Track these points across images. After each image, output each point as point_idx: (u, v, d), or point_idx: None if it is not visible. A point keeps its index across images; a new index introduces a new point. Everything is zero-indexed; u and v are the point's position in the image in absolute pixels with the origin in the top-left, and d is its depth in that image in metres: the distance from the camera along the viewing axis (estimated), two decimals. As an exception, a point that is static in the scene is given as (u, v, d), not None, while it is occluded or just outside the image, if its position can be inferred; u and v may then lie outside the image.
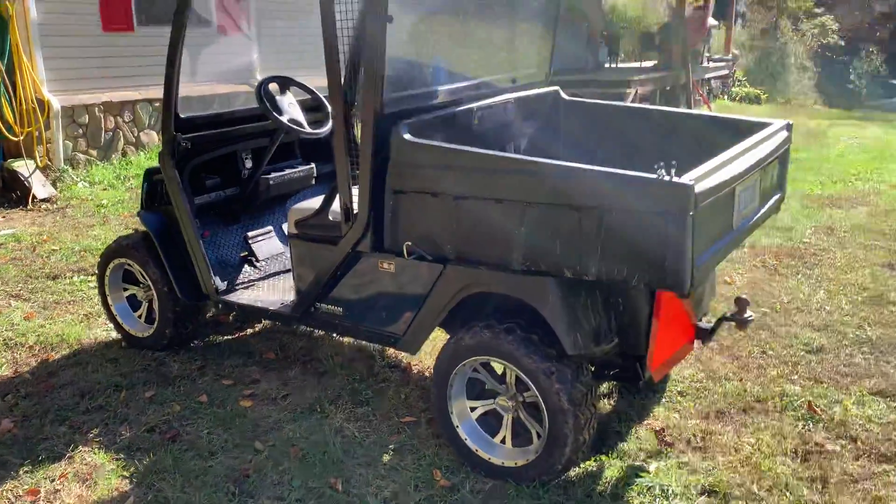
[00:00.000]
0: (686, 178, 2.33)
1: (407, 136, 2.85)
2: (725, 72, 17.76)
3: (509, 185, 2.65)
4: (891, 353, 3.95)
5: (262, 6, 10.37)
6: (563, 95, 3.91)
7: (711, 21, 16.76)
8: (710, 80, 16.91)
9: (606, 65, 15.71)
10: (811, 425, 3.29)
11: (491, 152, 2.71)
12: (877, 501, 2.79)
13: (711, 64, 17.17)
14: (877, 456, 3.07)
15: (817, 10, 27.51)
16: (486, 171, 2.69)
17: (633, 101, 11.55)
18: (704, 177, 2.43)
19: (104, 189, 8.01)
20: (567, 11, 15.21)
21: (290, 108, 3.69)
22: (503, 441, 2.99)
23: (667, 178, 2.33)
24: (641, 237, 2.42)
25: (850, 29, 30.12)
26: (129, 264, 4.05)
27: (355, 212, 3.05)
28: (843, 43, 29.12)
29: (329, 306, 3.33)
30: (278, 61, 9.87)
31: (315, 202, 3.36)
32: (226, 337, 4.31)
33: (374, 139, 2.86)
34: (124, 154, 8.88)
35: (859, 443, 3.15)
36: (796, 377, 3.70)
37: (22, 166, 7.63)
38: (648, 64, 15.71)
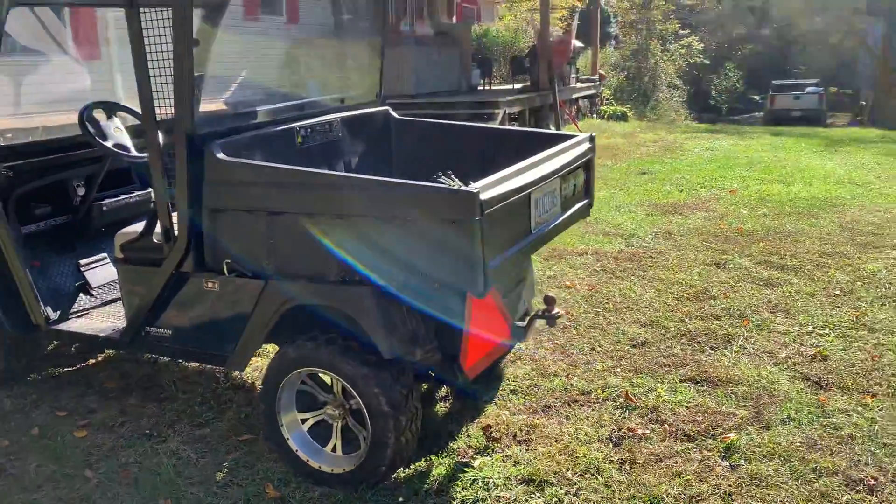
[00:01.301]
0: (472, 187, 2.52)
1: (220, 156, 2.92)
2: (593, 91, 18.65)
3: (317, 199, 2.77)
4: (706, 342, 4.31)
5: (122, 32, 10.14)
6: (394, 114, 4.07)
7: (577, 43, 17.62)
8: (578, 100, 17.71)
9: (480, 87, 16.22)
10: (627, 413, 3.55)
11: (297, 168, 2.83)
12: (676, 476, 3.05)
13: (579, 84, 18.00)
14: (681, 436, 3.34)
15: (683, 32, 29.33)
16: (294, 186, 2.80)
17: (501, 122, 11.98)
18: (491, 185, 2.63)
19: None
20: (439, 36, 15.65)
21: (116, 132, 3.69)
22: (334, 449, 3.08)
23: (454, 187, 2.51)
24: (437, 243, 2.59)
25: (714, 49, 32.28)
26: (-46, 300, 3.89)
27: (175, 233, 3.08)
28: (707, 62, 31.14)
29: (158, 329, 3.33)
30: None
31: (140, 226, 3.37)
32: (66, 369, 4.21)
33: (188, 159, 2.92)
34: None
35: (667, 425, 3.42)
36: (619, 370, 3.98)
37: None
38: (519, 86, 16.31)
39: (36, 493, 3.07)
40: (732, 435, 3.31)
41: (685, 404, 3.61)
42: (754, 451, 3.18)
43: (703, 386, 3.80)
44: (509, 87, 16.70)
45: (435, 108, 12.26)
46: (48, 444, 3.42)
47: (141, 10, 2.93)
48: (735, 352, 4.17)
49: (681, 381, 3.85)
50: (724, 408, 3.57)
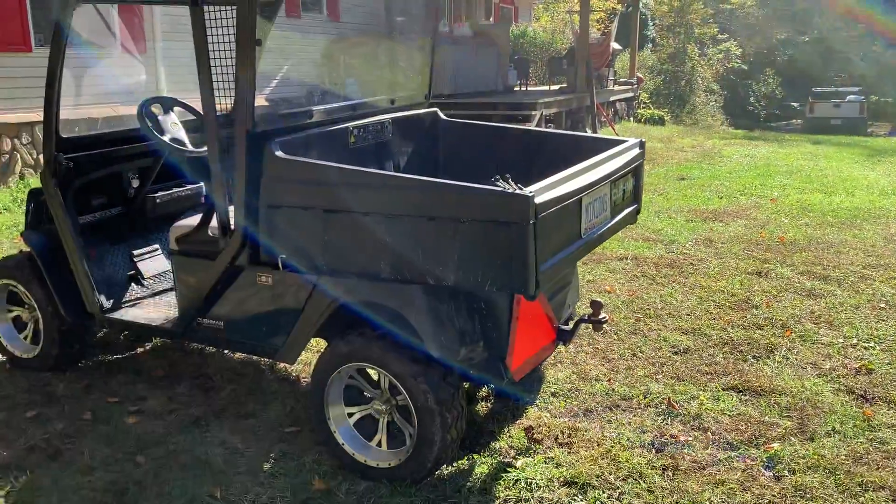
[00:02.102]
0: (527, 190, 2.55)
1: (279, 153, 2.99)
2: (630, 94, 18.54)
3: (373, 198, 2.82)
4: (749, 351, 4.29)
5: (167, 27, 10.33)
6: (442, 116, 4.11)
7: (616, 46, 17.52)
8: (616, 103, 17.62)
9: (516, 88, 16.21)
10: (669, 419, 3.55)
11: (354, 168, 2.88)
12: (719, 484, 3.05)
13: (617, 87, 17.90)
14: (724, 444, 3.34)
15: (722, 37, 29.02)
16: (350, 185, 2.86)
17: (537, 124, 11.97)
18: (545, 189, 2.65)
19: (-1, 213, 7.80)
20: (477, 36, 15.67)
21: (173, 127, 3.78)
22: (379, 444, 3.13)
23: (509, 189, 2.54)
24: (490, 245, 2.62)
25: (752, 54, 31.89)
26: (13, 285, 4.02)
27: (232, 227, 3.16)
28: (745, 67, 30.78)
29: (211, 320, 3.41)
30: (182, 82, 9.86)
31: (196, 219, 3.45)
32: (115, 356, 4.32)
33: (247, 156, 2.99)
34: (22, 177, 8.68)
35: (710, 433, 3.42)
36: (661, 377, 3.98)
37: None
38: (556, 87, 16.27)
39: (91, 475, 3.16)
40: (776, 445, 3.30)
41: (728, 413, 3.60)
42: (798, 463, 3.17)
43: (745, 395, 3.79)
44: (546, 88, 16.67)
45: (471, 108, 12.29)
46: (101, 428, 3.52)
47: (205, 8, 3.00)
48: (778, 362, 4.15)
49: (723, 389, 3.84)
50: (767, 418, 3.55)
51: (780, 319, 4.75)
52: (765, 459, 3.21)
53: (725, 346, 4.36)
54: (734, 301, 5.08)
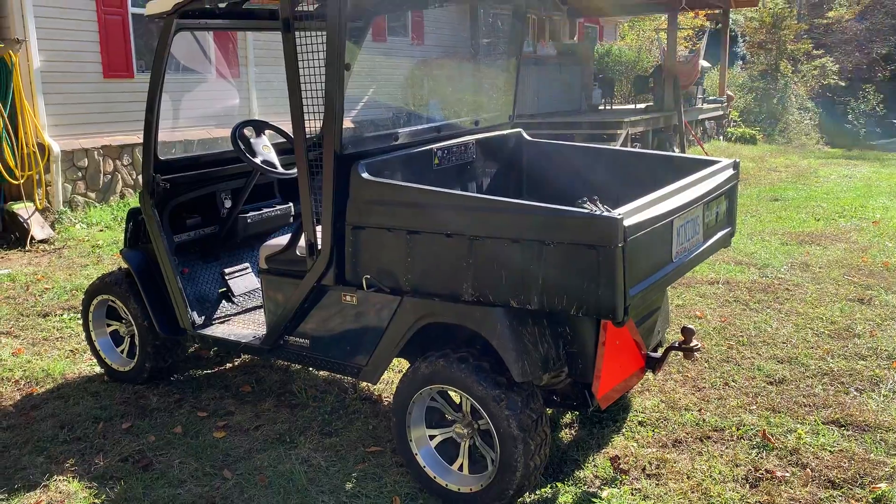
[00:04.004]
0: (615, 213, 2.48)
1: (364, 175, 3.02)
2: (720, 113, 18.03)
3: (456, 220, 2.80)
4: (851, 383, 4.04)
5: (259, 52, 10.70)
6: (526, 136, 4.08)
7: (704, 63, 17.10)
8: (704, 121, 17.16)
9: (601, 107, 16.02)
10: (764, 453, 3.37)
11: (438, 189, 2.87)
12: (820, 526, 2.87)
13: (705, 105, 17.45)
14: (825, 482, 3.15)
15: (817, 52, 27.94)
16: (434, 207, 2.85)
17: (623, 143, 11.78)
18: (635, 211, 2.58)
19: (101, 230, 8.21)
20: (561, 56, 15.59)
21: (264, 150, 3.88)
22: (461, 468, 3.09)
23: (597, 211, 2.48)
24: (576, 268, 2.56)
25: (851, 70, 30.56)
26: (111, 300, 4.20)
27: (319, 247, 3.20)
28: (843, 84, 29.49)
29: (297, 339, 3.46)
30: (273, 105, 10.20)
31: (285, 239, 3.51)
32: (205, 371, 4.44)
33: (335, 178, 3.03)
34: (122, 196, 9.12)
35: (809, 470, 3.23)
36: (755, 407, 3.79)
37: (21, 208, 7.87)
38: (642, 106, 15.99)
39: (180, 488, 3.24)
40: (883, 486, 3.08)
41: (829, 448, 3.40)
42: (909, 506, 2.95)
43: (848, 430, 3.56)
44: (631, 106, 16.42)
45: (555, 127, 12.22)
46: (190, 442, 3.61)
47: (297, 34, 3.07)
48: (884, 396, 3.89)
49: (823, 423, 3.62)
50: (872, 455, 3.33)
51: (886, 350, 4.46)
52: (871, 501, 3.01)
53: (825, 377, 4.13)
54: (834, 329, 4.82)
